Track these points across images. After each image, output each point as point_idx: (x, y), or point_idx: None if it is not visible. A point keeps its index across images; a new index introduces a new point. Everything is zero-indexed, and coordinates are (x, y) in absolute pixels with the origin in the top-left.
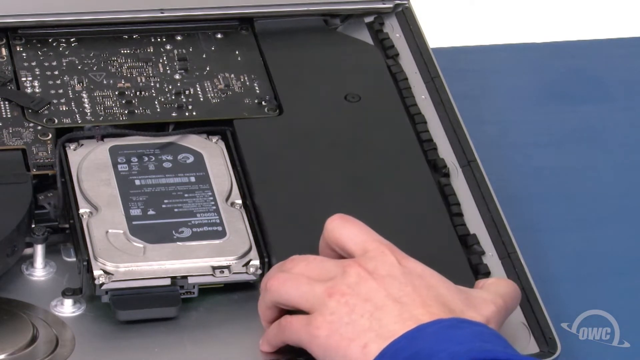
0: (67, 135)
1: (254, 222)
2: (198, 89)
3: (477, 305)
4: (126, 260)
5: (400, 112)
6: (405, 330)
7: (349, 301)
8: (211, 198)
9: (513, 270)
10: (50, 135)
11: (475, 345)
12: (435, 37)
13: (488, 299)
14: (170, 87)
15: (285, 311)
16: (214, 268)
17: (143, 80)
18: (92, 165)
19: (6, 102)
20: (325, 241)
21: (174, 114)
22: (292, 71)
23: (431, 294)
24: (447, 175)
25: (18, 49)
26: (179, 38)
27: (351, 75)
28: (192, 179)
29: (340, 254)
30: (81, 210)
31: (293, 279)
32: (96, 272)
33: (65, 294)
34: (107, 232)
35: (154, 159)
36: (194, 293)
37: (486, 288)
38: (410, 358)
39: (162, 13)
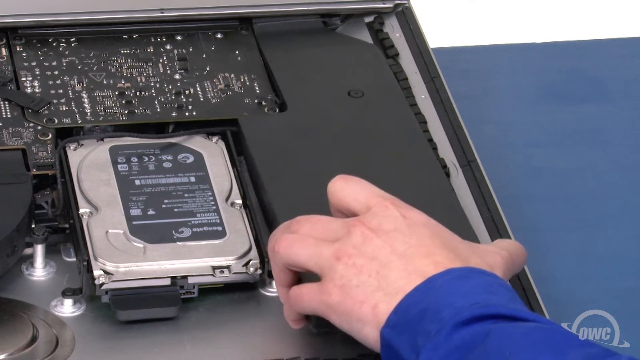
0: (68, 139)
1: (253, 220)
2: (198, 89)
3: (481, 253)
4: (126, 260)
5: (404, 106)
6: (411, 284)
7: (356, 262)
8: (211, 198)
9: None
10: (50, 135)
11: (480, 299)
12: (435, 37)
13: (493, 250)
14: (170, 87)
15: (297, 273)
16: (214, 268)
17: (143, 80)
18: (92, 165)
19: (6, 102)
20: (331, 205)
21: (174, 114)
22: (294, 70)
23: (436, 242)
24: (447, 175)
25: (18, 49)
26: (179, 38)
27: (353, 73)
28: (192, 179)
29: (348, 215)
30: (81, 210)
31: (300, 240)
32: (96, 272)
33: (65, 294)
34: (107, 232)
35: (153, 159)
36: (194, 293)
37: (491, 244)
38: (420, 314)
39: (162, 13)
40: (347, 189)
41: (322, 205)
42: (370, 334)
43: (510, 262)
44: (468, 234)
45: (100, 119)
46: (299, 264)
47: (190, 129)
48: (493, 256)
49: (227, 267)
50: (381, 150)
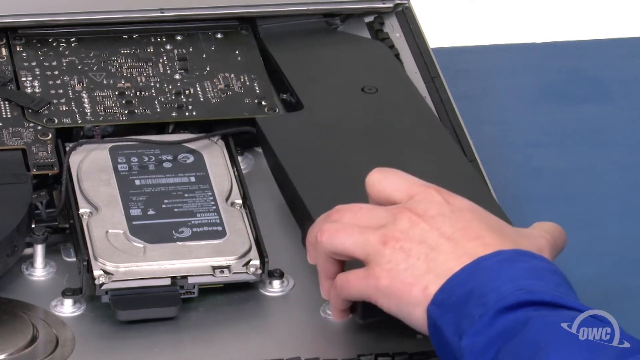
0: (74, 143)
1: (253, 220)
2: (198, 89)
3: (528, 237)
4: (126, 260)
5: (419, 99)
6: (460, 266)
7: (403, 246)
8: (211, 198)
9: None
10: (50, 135)
11: (525, 284)
12: (435, 37)
13: (537, 234)
14: (170, 87)
15: (342, 263)
16: (214, 268)
17: (143, 80)
18: (92, 165)
19: (6, 102)
20: (370, 198)
21: (174, 114)
22: (305, 69)
23: (483, 225)
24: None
25: (18, 49)
26: (179, 38)
27: (364, 70)
28: (192, 179)
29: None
30: (81, 210)
31: (344, 228)
32: (96, 272)
33: (65, 294)
34: (107, 232)
35: (153, 159)
36: (194, 293)
37: (532, 227)
38: (465, 295)
39: (162, 13)
40: (386, 180)
41: (353, 199)
42: (421, 316)
43: (553, 244)
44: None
45: (100, 119)
46: (345, 251)
47: (191, 128)
48: (539, 239)
49: (227, 267)
50: (405, 143)
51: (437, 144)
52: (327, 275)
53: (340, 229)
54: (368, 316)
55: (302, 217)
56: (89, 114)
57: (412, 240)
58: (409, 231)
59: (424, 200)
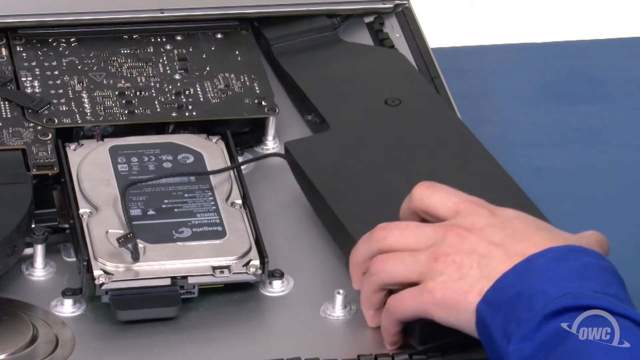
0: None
1: (253, 220)
2: (198, 89)
3: (577, 235)
4: (126, 260)
5: (444, 108)
6: (512, 266)
7: (455, 259)
8: (211, 198)
9: None
10: (50, 135)
11: (572, 287)
12: (435, 37)
13: (585, 233)
14: (170, 87)
15: (390, 293)
16: (214, 268)
17: (143, 80)
18: (92, 165)
19: (6, 102)
20: (410, 209)
21: (174, 114)
22: (325, 87)
23: (531, 228)
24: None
25: (18, 49)
26: (179, 38)
27: (383, 81)
28: (192, 179)
29: (429, 221)
30: (81, 210)
31: (394, 256)
32: (96, 272)
33: (65, 294)
34: (107, 232)
35: (153, 159)
36: (194, 293)
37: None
38: (514, 297)
39: (162, 13)
40: (434, 197)
41: (393, 217)
42: None
43: (603, 242)
44: None
45: (100, 119)
46: (398, 278)
47: (191, 128)
48: (587, 238)
49: (227, 267)
50: (437, 154)
51: (471, 154)
52: (373, 306)
53: (390, 257)
54: (426, 341)
55: (344, 240)
56: (89, 114)
57: (463, 253)
58: (458, 245)
59: (470, 215)
